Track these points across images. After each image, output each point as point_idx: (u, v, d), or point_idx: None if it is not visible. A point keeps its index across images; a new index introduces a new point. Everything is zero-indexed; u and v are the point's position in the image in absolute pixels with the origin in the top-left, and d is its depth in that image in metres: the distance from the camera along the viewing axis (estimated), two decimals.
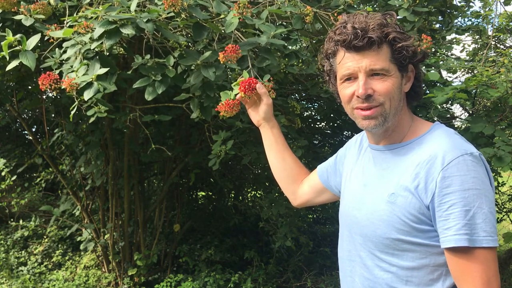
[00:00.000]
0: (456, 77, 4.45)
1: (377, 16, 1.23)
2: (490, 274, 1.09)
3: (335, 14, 2.18)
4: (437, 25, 3.75)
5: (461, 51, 4.46)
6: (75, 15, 1.98)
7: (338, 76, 1.28)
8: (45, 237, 4.95)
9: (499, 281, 1.10)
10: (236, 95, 1.61)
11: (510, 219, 4.73)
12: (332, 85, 1.38)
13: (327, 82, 1.41)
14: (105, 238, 4.13)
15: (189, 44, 2.18)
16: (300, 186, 1.68)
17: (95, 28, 1.75)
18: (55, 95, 3.63)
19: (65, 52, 1.92)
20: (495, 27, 3.82)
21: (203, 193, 5.68)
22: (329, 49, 1.28)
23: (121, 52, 2.09)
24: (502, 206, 4.87)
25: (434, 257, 1.17)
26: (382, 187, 1.25)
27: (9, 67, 1.83)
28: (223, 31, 2.00)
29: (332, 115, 4.23)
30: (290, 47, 2.27)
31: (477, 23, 4.41)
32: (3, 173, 4.33)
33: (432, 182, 1.13)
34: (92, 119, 2.02)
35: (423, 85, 1.35)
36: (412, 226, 1.16)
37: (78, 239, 4.38)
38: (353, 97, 1.23)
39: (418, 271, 1.18)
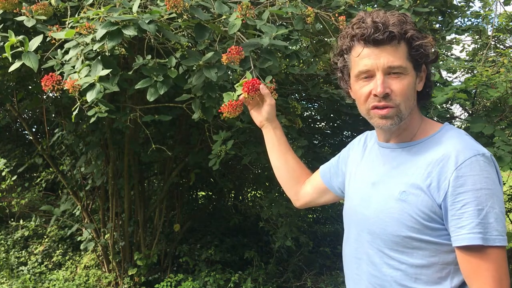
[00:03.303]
0: (456, 77, 4.46)
1: (396, 13, 1.22)
2: (502, 272, 1.10)
3: (336, 15, 2.18)
4: (437, 25, 3.76)
5: (461, 51, 4.47)
6: (76, 15, 1.98)
7: (353, 72, 1.27)
8: (45, 237, 4.95)
9: (509, 280, 1.12)
10: (239, 96, 1.62)
11: (510, 219, 4.74)
12: (344, 82, 1.37)
13: (339, 79, 1.39)
14: (105, 238, 4.13)
15: (191, 44, 2.19)
16: (302, 187, 1.67)
17: (97, 29, 1.76)
18: (55, 95, 3.63)
19: (67, 53, 1.92)
20: (495, 27, 3.83)
21: (203, 193, 5.68)
22: (344, 45, 1.27)
23: (122, 53, 2.09)
24: None
25: (443, 256, 1.18)
26: (392, 185, 1.25)
27: (11, 68, 1.83)
28: (224, 32, 2.00)
29: (332, 115, 4.23)
30: (290, 47, 2.27)
31: (477, 23, 4.43)
32: (3, 173, 4.32)
33: (445, 181, 1.13)
34: (92, 119, 2.02)
35: (432, 86, 1.36)
36: (423, 224, 1.17)
37: (79, 239, 4.38)
38: (370, 96, 1.22)
39: (427, 269, 1.19)
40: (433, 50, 1.28)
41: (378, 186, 1.30)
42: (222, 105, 1.62)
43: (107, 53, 1.86)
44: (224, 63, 1.75)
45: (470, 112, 3.43)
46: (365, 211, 1.32)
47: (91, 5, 2.11)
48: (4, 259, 4.54)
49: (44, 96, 3.82)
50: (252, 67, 1.83)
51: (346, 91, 1.38)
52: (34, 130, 5.07)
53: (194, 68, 2.02)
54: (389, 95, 1.19)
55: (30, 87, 3.74)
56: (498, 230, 1.10)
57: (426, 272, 1.19)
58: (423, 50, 1.22)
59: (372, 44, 1.19)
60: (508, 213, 4.75)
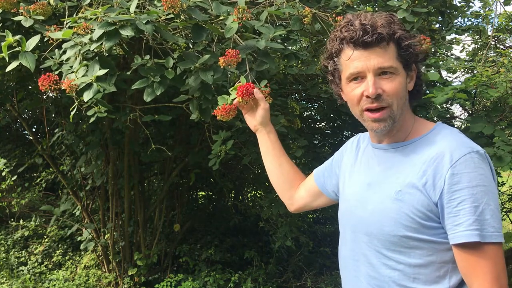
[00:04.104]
0: (456, 77, 4.44)
1: (383, 14, 1.23)
2: (499, 269, 1.11)
3: (334, 15, 2.18)
4: (437, 25, 3.75)
5: (461, 51, 4.45)
6: (74, 15, 1.98)
7: (344, 75, 1.27)
8: (45, 237, 4.95)
9: (507, 277, 1.12)
10: (233, 100, 1.62)
11: (510, 219, 4.73)
12: (336, 85, 1.37)
13: (331, 82, 1.39)
14: (105, 238, 4.13)
15: (188, 45, 2.18)
16: (296, 191, 1.67)
17: (94, 29, 1.76)
18: (55, 95, 3.63)
19: (64, 53, 1.92)
20: (495, 27, 3.82)
21: (203, 193, 5.68)
22: (333, 48, 1.27)
23: (120, 53, 2.09)
24: (502, 206, 4.87)
25: (441, 254, 1.18)
26: (388, 185, 1.25)
27: (8, 68, 1.84)
28: (222, 33, 2.00)
29: (332, 115, 4.23)
30: (289, 47, 2.27)
31: (477, 23, 4.42)
32: (3, 173, 4.32)
33: (440, 179, 1.14)
34: (92, 119, 2.02)
35: (423, 85, 1.37)
36: (420, 223, 1.17)
37: (79, 239, 4.39)
38: (362, 97, 1.23)
39: (425, 268, 1.19)
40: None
41: (374, 187, 1.30)
42: (216, 109, 1.62)
43: (105, 53, 1.86)
44: (221, 66, 1.75)
45: (470, 112, 3.42)
46: (361, 213, 1.32)
47: (89, 5, 2.11)
48: (4, 259, 4.55)
49: (44, 96, 3.83)
50: (248, 70, 1.83)
51: (338, 93, 1.39)
52: (34, 130, 5.08)
53: (191, 69, 2.01)
54: (381, 96, 1.20)
55: (30, 87, 3.74)
56: (494, 226, 1.10)
57: (424, 271, 1.19)
58: (412, 50, 1.23)
59: (361, 47, 1.20)
60: (508, 213, 4.74)
